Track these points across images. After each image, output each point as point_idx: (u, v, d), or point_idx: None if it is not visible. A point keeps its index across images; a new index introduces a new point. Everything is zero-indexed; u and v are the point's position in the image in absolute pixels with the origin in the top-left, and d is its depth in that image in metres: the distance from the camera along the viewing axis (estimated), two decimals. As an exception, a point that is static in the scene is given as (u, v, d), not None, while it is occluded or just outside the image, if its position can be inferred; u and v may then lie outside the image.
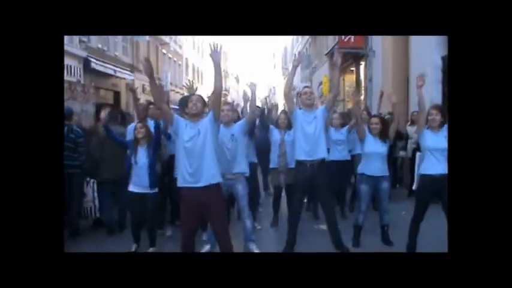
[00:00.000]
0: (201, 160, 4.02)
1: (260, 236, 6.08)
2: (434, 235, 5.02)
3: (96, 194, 6.55)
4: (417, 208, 4.99)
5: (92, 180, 6.55)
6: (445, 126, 4.75)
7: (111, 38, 19.61)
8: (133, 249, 5.38)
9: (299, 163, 5.30)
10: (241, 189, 5.26)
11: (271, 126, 6.50)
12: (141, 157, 5.16)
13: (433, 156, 4.80)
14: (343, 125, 7.22)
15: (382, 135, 5.51)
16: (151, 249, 5.38)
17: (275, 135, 6.38)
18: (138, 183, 5.20)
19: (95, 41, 17.49)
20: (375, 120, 5.63)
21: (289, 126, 6.18)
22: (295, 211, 5.41)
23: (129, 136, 5.83)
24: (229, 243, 4.24)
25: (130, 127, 6.11)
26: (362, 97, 16.14)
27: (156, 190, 5.33)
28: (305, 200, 6.73)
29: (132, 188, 5.26)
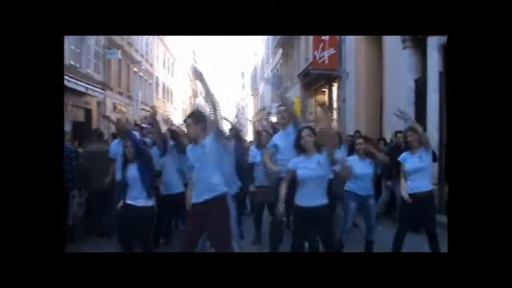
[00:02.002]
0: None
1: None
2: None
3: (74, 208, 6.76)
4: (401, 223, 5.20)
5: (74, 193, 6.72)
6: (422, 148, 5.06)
7: (84, 55, 19.41)
8: None
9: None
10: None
11: (252, 147, 6.60)
12: (132, 172, 5.15)
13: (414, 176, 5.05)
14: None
15: (368, 155, 5.59)
16: None
17: (258, 155, 6.46)
18: (132, 197, 5.18)
19: (67, 57, 17.28)
20: (360, 140, 5.69)
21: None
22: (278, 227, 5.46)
23: (114, 151, 5.88)
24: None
25: (114, 144, 6.13)
26: (335, 117, 16.52)
27: (151, 203, 5.30)
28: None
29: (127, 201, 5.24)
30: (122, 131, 6.25)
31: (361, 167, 5.48)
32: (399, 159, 5.33)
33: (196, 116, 4.24)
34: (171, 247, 6.10)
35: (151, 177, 5.22)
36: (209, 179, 4.16)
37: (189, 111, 5.16)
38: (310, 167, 4.24)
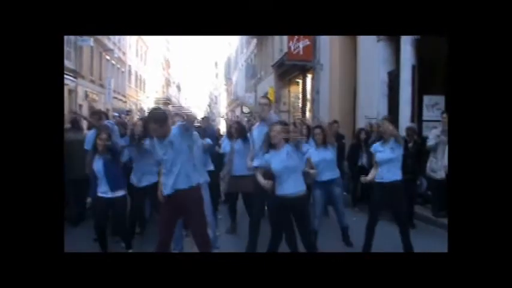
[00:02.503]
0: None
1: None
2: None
3: None
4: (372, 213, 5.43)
5: None
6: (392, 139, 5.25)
7: (55, 42, 19.05)
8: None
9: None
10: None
11: (224, 137, 7.01)
12: (98, 165, 5.21)
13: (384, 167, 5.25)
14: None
15: (325, 142, 5.86)
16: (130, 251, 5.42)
17: (238, 144, 6.53)
18: (101, 190, 5.24)
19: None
20: (317, 130, 5.95)
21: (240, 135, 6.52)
22: (257, 219, 5.57)
23: (89, 143, 5.86)
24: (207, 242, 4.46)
25: (90, 134, 6.08)
26: (308, 108, 16.68)
27: (122, 193, 5.35)
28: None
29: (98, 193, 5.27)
30: (95, 123, 6.24)
31: (321, 154, 5.77)
32: (371, 149, 5.55)
33: (158, 119, 4.15)
34: (145, 236, 6.19)
35: (118, 171, 5.35)
36: (181, 170, 4.23)
37: (147, 111, 5.09)
38: (282, 159, 4.46)
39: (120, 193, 5.28)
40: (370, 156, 6.99)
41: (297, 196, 4.50)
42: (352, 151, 8.77)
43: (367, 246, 5.31)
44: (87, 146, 6.01)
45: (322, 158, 5.77)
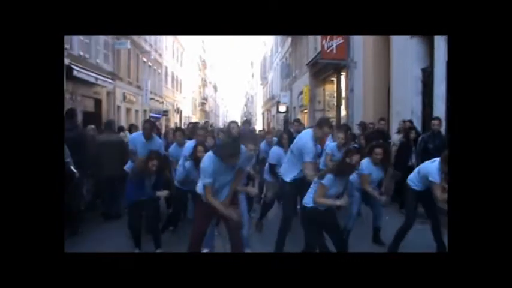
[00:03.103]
0: None
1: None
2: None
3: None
4: None
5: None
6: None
7: (93, 46, 19.53)
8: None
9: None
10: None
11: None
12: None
13: None
14: None
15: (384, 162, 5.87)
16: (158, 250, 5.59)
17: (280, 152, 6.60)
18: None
19: (77, 48, 17.41)
20: (378, 150, 5.76)
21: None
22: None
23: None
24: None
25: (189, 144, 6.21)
26: (343, 106, 16.55)
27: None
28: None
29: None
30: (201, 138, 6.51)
31: (375, 171, 5.78)
32: None
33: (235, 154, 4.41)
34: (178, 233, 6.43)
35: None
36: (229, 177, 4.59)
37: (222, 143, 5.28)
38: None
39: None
40: (420, 156, 6.95)
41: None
42: (402, 150, 8.20)
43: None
44: (185, 152, 6.13)
45: (377, 176, 5.80)
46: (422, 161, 5.88)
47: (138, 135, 6.86)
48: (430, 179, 5.04)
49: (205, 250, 5.40)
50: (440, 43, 8.60)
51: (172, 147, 6.92)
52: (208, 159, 4.42)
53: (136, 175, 5.47)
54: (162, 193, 5.62)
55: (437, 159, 5.15)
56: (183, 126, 36.22)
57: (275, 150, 6.64)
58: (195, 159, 5.33)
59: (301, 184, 5.30)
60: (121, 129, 11.58)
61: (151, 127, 6.84)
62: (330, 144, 6.67)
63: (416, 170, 5.58)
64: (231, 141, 4.58)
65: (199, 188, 4.54)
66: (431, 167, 5.13)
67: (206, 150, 5.23)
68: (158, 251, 5.54)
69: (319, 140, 5.48)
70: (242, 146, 4.59)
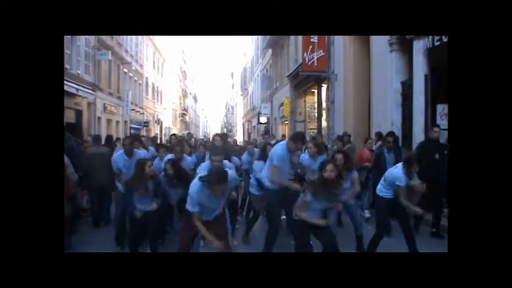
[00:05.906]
0: None
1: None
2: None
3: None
4: None
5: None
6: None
7: (74, 56, 19.41)
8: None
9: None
10: None
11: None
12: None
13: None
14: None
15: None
16: None
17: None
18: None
19: (58, 59, 17.28)
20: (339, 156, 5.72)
21: None
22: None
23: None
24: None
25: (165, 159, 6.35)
26: (323, 117, 16.74)
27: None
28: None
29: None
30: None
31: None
32: None
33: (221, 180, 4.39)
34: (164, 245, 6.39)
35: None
36: (218, 205, 4.73)
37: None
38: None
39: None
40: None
41: None
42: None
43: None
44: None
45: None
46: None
47: (119, 155, 6.56)
48: (397, 183, 5.16)
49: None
50: (419, 57, 8.85)
51: (156, 161, 6.91)
52: (196, 187, 4.43)
53: (134, 182, 5.49)
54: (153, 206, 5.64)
55: (400, 164, 5.32)
56: (163, 138, 35.97)
57: (260, 164, 6.56)
58: (166, 176, 5.56)
59: (285, 192, 5.56)
60: (110, 140, 11.10)
61: (130, 142, 6.61)
62: (304, 156, 6.47)
63: (382, 178, 5.63)
64: (217, 170, 4.56)
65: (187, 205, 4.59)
66: (396, 172, 5.28)
67: (176, 168, 5.51)
68: None
69: (292, 153, 5.65)
70: (230, 173, 4.65)
